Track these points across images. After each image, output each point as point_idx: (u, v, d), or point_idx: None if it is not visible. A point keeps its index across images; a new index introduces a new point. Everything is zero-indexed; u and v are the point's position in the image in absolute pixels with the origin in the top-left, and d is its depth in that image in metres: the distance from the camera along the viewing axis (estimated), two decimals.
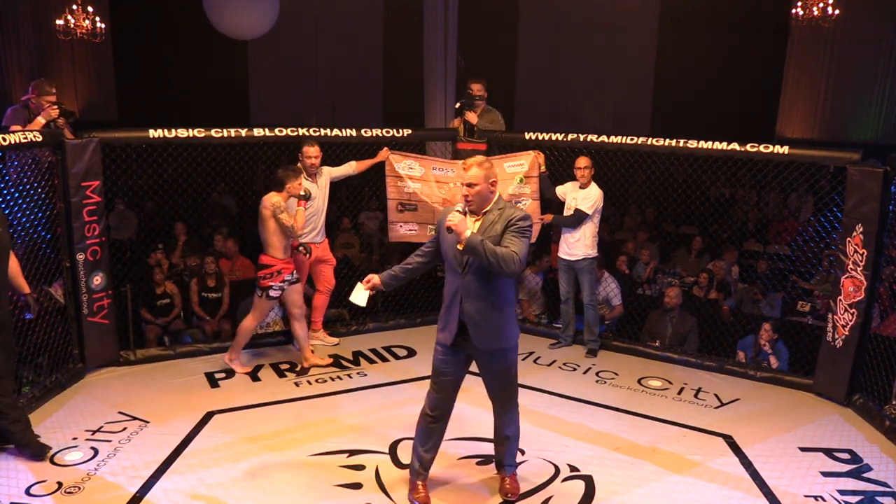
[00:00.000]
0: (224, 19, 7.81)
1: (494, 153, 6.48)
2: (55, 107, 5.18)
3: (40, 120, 5.12)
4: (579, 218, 6.02)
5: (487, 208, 3.65)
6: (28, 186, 4.94)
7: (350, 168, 6.19)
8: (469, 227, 3.57)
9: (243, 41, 13.74)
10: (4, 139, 4.46)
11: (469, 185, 3.62)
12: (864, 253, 5.00)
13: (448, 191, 6.35)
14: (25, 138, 4.69)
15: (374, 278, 3.85)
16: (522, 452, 4.40)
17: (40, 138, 4.83)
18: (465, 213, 3.65)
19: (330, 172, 6.05)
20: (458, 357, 3.77)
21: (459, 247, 3.58)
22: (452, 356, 3.76)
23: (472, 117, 6.52)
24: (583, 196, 6.03)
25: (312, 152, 5.78)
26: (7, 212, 4.53)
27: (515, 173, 6.32)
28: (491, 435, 4.10)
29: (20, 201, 4.85)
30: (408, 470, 4.02)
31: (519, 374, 5.67)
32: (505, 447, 4.02)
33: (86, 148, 5.20)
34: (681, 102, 12.32)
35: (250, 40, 13.69)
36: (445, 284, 3.76)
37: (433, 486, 4.00)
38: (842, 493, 4.10)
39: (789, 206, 10.07)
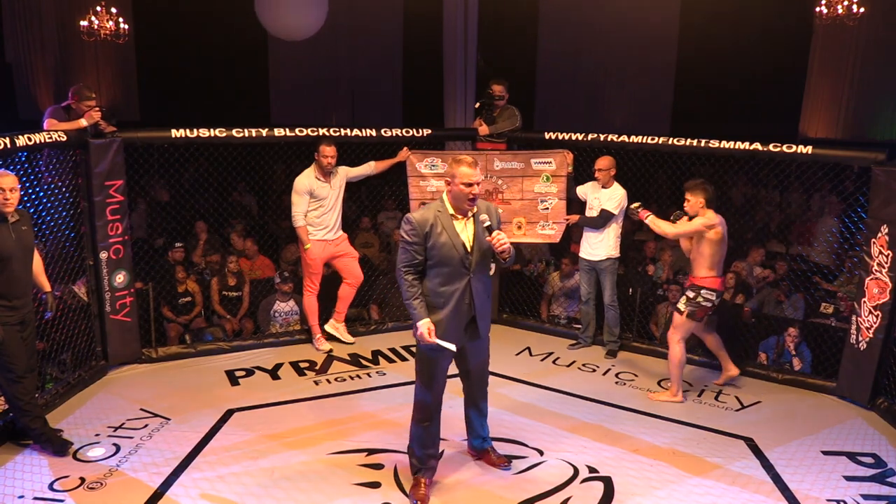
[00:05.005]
0: (277, 21, 7.92)
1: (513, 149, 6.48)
2: (98, 110, 5.23)
3: (83, 122, 5.17)
4: (606, 219, 5.97)
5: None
6: (53, 185, 5.00)
7: (369, 168, 6.19)
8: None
9: (264, 43, 13.87)
10: (30, 139, 4.50)
11: (477, 184, 3.64)
12: (889, 254, 4.93)
13: None
14: (50, 138, 4.75)
15: (431, 326, 3.67)
16: (541, 453, 4.41)
17: (65, 138, 4.89)
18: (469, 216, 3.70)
19: (347, 172, 6.05)
20: (453, 352, 3.84)
21: (506, 257, 3.63)
22: (451, 354, 3.81)
23: (483, 129, 6.54)
24: (607, 196, 5.99)
25: (329, 151, 5.80)
26: (31, 211, 4.59)
27: (542, 170, 6.28)
28: (505, 434, 4.29)
29: (45, 200, 4.92)
30: None
31: (539, 374, 5.76)
32: (484, 424, 4.21)
33: (109, 148, 5.26)
34: (702, 102, 12.21)
35: (271, 43, 13.86)
36: (436, 290, 3.69)
37: (442, 488, 4.02)
38: (865, 497, 4.05)
39: (812, 207, 9.93)
